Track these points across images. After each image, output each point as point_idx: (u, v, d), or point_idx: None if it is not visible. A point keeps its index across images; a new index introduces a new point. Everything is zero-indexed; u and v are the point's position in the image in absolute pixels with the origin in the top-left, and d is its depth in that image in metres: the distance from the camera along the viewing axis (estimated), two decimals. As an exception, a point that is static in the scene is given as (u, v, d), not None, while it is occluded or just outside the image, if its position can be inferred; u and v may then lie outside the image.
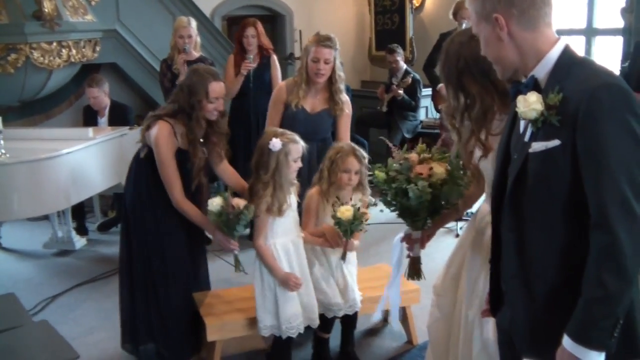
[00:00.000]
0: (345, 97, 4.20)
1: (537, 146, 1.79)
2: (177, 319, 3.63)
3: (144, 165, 3.59)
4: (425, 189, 2.45)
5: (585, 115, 1.68)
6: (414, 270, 2.74)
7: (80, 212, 6.16)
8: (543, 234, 1.83)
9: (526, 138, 1.87)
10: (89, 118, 6.19)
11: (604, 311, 1.68)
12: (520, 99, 1.83)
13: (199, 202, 3.57)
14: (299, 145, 3.42)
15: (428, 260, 3.09)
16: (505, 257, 2.00)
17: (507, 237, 1.97)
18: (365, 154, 3.61)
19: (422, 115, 7.99)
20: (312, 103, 4.18)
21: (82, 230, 6.17)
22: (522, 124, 1.91)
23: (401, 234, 2.76)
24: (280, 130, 3.55)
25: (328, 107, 4.17)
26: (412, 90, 7.25)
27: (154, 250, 3.58)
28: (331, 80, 4.11)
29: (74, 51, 6.35)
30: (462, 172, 2.57)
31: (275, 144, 3.32)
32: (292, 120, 4.11)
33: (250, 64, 5.64)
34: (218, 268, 5.19)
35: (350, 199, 3.52)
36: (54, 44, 6.12)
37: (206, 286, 3.93)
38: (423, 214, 2.53)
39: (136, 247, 3.62)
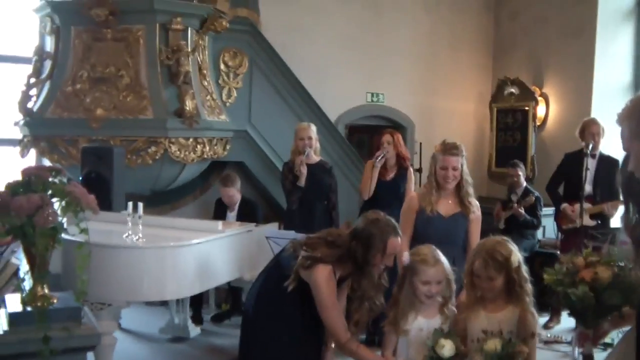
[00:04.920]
0: (474, 201, 4.26)
1: None
2: None
3: (290, 298, 3.42)
4: (586, 293, 2.44)
5: None
6: None
7: (198, 302, 6.30)
8: None
9: None
10: (220, 211, 6.46)
11: None
12: None
13: None
14: (433, 270, 3.24)
15: None
16: None
17: None
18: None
19: (539, 234, 7.82)
20: (446, 207, 4.22)
21: (197, 319, 6.29)
22: None
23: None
24: (420, 248, 3.42)
25: (461, 210, 4.22)
26: (533, 209, 7.14)
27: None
28: (459, 186, 4.19)
29: (207, 148, 6.71)
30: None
31: (405, 257, 3.27)
32: (427, 224, 4.15)
33: (382, 154, 5.80)
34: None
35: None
36: (191, 139, 6.50)
37: None
38: (590, 315, 2.50)
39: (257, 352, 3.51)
